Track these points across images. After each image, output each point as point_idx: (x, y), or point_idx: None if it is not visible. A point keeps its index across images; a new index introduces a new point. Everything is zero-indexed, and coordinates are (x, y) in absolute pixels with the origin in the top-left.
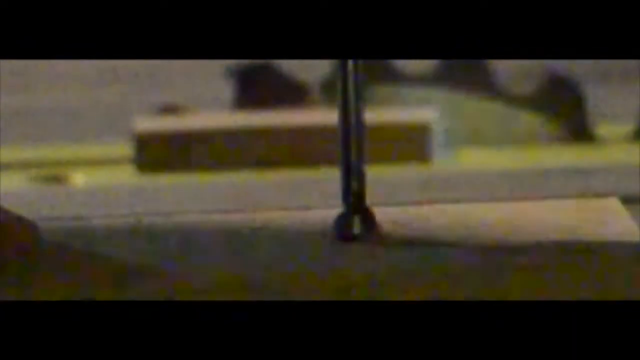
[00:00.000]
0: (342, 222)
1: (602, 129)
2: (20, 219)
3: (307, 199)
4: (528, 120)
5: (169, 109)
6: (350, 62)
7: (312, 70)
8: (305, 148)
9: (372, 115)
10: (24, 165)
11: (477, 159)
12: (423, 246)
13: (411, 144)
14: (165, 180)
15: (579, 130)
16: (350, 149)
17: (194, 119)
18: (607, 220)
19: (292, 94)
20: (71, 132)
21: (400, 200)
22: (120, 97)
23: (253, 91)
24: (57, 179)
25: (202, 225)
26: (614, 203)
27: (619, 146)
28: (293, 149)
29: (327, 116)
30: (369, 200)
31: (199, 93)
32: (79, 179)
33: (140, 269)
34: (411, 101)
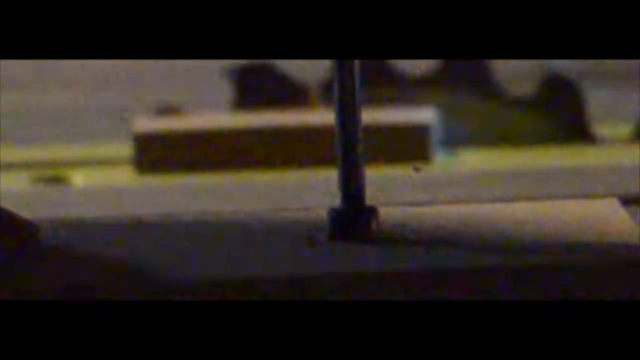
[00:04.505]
0: (342, 221)
1: (602, 129)
2: (20, 219)
3: (307, 199)
4: (528, 120)
5: (169, 109)
6: (347, 62)
7: (312, 70)
8: (305, 148)
9: (372, 116)
10: (24, 166)
11: (477, 159)
12: (423, 246)
13: (411, 144)
14: (165, 180)
15: (579, 130)
16: (349, 148)
17: (194, 119)
18: (607, 221)
19: (292, 94)
20: (71, 132)
21: (400, 200)
22: (120, 97)
23: (253, 91)
24: (57, 179)
25: (202, 225)
26: (614, 203)
27: (619, 146)
28: (293, 149)
29: (326, 116)
30: (368, 201)
31: (199, 93)
32: (79, 179)
33: (140, 269)
34: (411, 101)
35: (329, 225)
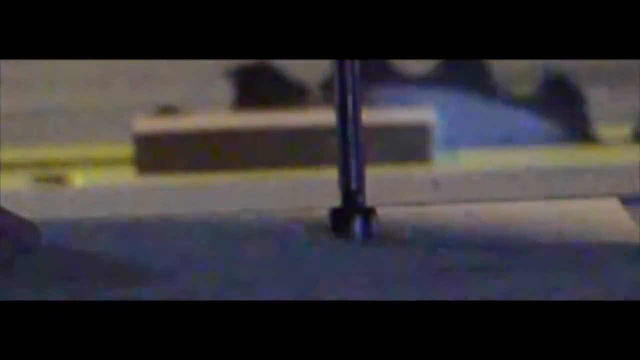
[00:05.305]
0: (342, 221)
1: (602, 130)
2: (20, 219)
3: (307, 199)
4: (528, 120)
5: (169, 109)
6: (347, 62)
7: (312, 70)
8: (305, 148)
9: (372, 115)
10: (24, 166)
11: (477, 159)
12: (423, 246)
13: (411, 144)
14: (165, 180)
15: (579, 130)
16: (349, 149)
17: (194, 119)
18: (607, 221)
19: (292, 94)
20: (71, 132)
21: (401, 200)
22: (120, 97)
23: (253, 91)
24: (57, 179)
25: (201, 226)
26: (614, 203)
27: (619, 146)
28: (293, 149)
29: (327, 116)
30: (369, 201)
31: (199, 93)
32: (79, 179)
33: (140, 269)
34: (411, 101)
35: (330, 225)
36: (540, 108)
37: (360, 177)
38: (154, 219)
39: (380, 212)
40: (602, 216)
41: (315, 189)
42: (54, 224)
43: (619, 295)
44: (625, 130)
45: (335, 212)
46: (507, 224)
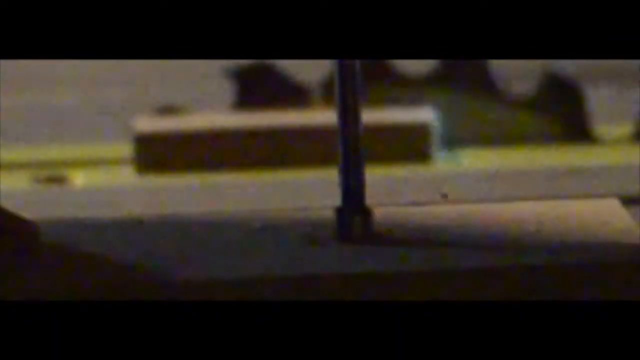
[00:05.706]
0: (342, 221)
1: (602, 129)
2: (20, 219)
3: (307, 199)
4: (528, 120)
5: (169, 109)
6: (347, 62)
7: (312, 70)
8: (305, 148)
9: (372, 115)
10: (24, 166)
11: (477, 159)
12: (423, 246)
13: (411, 144)
14: (165, 180)
15: (579, 130)
16: (349, 148)
17: (194, 119)
18: (607, 221)
19: (292, 94)
20: (71, 132)
21: (400, 200)
22: (120, 97)
23: (253, 91)
24: (57, 179)
25: (202, 225)
26: (614, 203)
27: (619, 146)
28: (293, 149)
29: (327, 116)
30: (369, 200)
31: (199, 93)
32: (79, 179)
33: (140, 269)
34: (411, 101)
35: (337, 225)
36: (540, 107)
37: (360, 177)
38: (154, 219)
39: (380, 212)
40: (602, 216)
41: (315, 189)
42: (54, 224)
43: (619, 295)
44: (626, 130)
45: (337, 212)
46: (507, 224)
